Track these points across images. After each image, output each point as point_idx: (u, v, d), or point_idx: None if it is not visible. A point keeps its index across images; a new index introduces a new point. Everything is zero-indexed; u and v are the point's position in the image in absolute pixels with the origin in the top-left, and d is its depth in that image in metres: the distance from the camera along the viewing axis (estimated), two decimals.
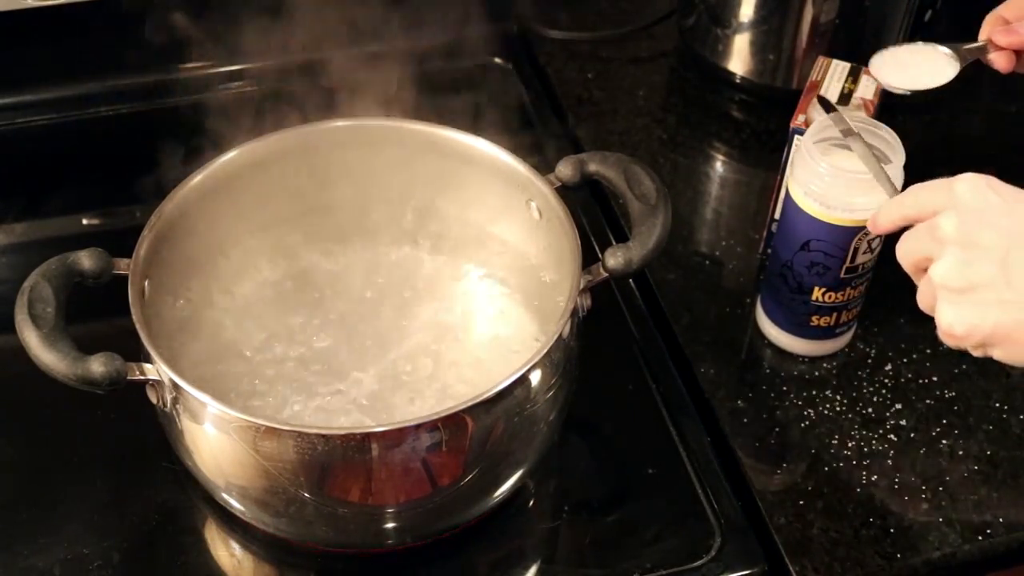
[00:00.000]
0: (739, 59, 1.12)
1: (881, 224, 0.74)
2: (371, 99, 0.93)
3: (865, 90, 0.92)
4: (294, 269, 0.91)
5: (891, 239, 0.86)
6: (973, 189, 0.67)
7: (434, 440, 0.71)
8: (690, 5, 1.14)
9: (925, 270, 0.70)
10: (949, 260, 0.66)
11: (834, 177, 0.82)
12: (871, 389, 0.90)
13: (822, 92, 0.92)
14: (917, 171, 0.85)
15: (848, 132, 0.80)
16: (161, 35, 1.00)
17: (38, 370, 0.70)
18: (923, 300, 0.71)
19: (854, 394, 0.90)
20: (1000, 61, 0.82)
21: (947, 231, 0.67)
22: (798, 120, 0.90)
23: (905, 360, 0.92)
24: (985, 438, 0.88)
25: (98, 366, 0.69)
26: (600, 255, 0.78)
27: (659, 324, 0.95)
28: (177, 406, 0.72)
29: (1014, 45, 0.81)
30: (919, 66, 0.83)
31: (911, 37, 1.08)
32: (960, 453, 0.87)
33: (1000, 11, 0.83)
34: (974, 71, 0.83)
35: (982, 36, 0.83)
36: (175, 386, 0.71)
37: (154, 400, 0.73)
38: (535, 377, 0.73)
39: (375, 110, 0.92)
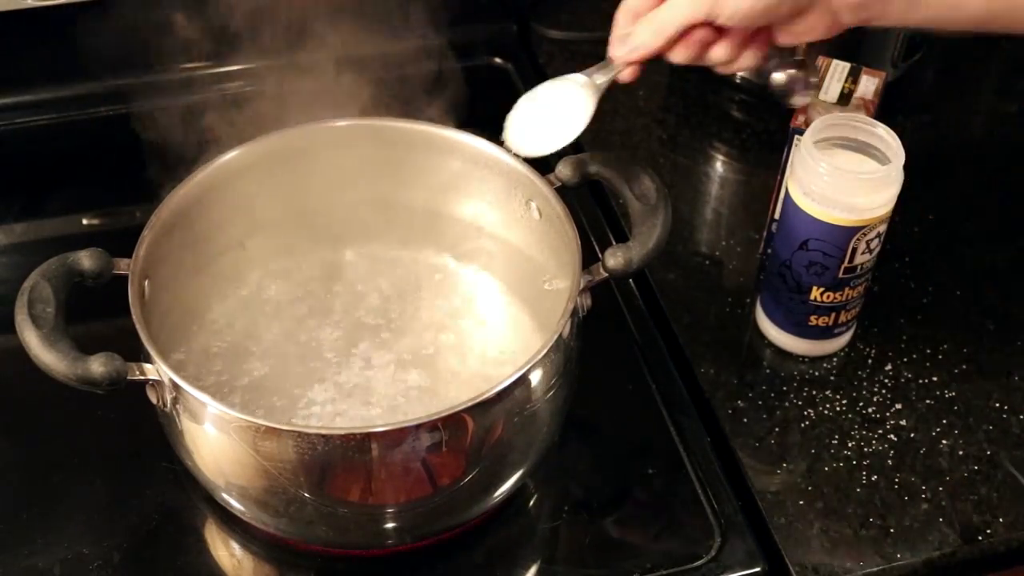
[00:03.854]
0: None
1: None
2: (371, 99, 0.93)
3: (865, 90, 0.92)
4: (294, 269, 0.91)
5: (889, 240, 0.86)
6: None
7: (434, 440, 0.71)
8: None
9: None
10: None
11: (833, 177, 0.82)
12: (871, 389, 0.90)
13: (822, 92, 0.92)
14: (917, 172, 0.85)
15: None
16: (161, 35, 1.00)
17: (38, 370, 0.70)
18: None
19: (854, 394, 0.90)
20: (625, 74, 0.75)
21: None
22: (798, 120, 0.90)
23: (905, 360, 0.92)
24: (985, 438, 0.87)
25: (98, 366, 0.69)
26: (600, 255, 0.77)
27: (659, 324, 0.95)
28: (177, 406, 0.72)
29: (631, 59, 0.72)
30: (558, 109, 0.74)
31: (911, 37, 1.08)
32: (960, 453, 0.86)
33: (629, 3, 0.73)
34: (973, 70, 0.83)
35: (613, 37, 0.73)
36: (175, 386, 0.71)
37: (154, 400, 0.73)
38: (535, 377, 0.73)
39: (375, 110, 0.92)
